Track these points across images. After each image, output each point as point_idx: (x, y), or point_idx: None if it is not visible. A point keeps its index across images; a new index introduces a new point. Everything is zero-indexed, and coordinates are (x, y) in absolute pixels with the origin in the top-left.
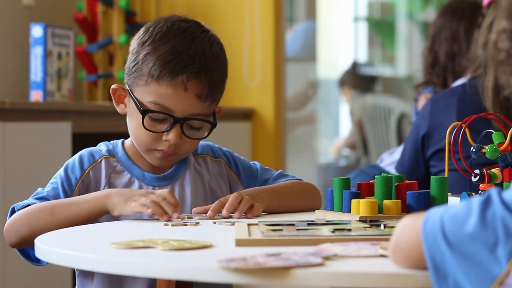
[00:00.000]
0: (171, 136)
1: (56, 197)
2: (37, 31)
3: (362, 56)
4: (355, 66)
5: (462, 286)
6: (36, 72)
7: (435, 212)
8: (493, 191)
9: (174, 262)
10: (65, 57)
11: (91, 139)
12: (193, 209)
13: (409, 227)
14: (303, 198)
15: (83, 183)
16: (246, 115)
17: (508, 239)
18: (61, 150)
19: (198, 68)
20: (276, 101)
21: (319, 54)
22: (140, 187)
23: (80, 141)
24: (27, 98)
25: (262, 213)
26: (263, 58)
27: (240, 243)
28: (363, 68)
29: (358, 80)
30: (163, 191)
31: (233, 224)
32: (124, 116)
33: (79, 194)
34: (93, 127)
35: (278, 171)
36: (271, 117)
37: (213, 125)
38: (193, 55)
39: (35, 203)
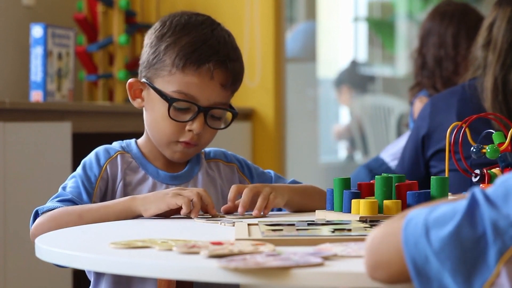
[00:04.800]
0: (195, 125)
1: (79, 196)
2: (37, 31)
3: (362, 56)
4: (353, 65)
5: None
6: (36, 72)
7: (416, 215)
8: (477, 191)
9: (174, 262)
10: (65, 57)
11: (91, 139)
12: (223, 207)
13: (386, 238)
14: (318, 199)
15: (102, 180)
16: (246, 115)
17: (497, 238)
18: (61, 150)
19: (223, 57)
20: (276, 101)
21: (319, 54)
22: (154, 185)
23: (80, 141)
24: (27, 98)
25: (283, 211)
26: (263, 58)
27: None
28: (362, 68)
29: (356, 80)
30: (197, 189)
31: (234, 225)
32: (124, 116)
33: (100, 192)
34: (93, 127)
35: (291, 179)
36: (271, 117)
37: (235, 115)
38: (216, 44)
39: (60, 206)
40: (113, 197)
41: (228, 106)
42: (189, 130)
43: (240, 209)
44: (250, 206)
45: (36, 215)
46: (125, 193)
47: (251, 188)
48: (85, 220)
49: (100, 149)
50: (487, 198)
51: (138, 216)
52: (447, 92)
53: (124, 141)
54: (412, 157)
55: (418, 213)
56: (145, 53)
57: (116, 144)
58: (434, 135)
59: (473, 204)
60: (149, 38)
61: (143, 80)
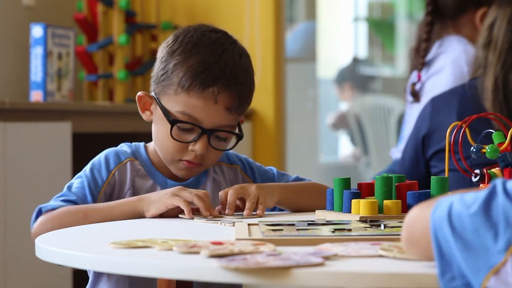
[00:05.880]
0: (198, 146)
1: (83, 198)
2: (37, 31)
3: (362, 56)
4: (355, 62)
5: (464, 272)
6: (36, 72)
7: (445, 200)
8: (498, 181)
9: (174, 262)
10: (65, 57)
11: (91, 139)
12: (217, 208)
13: (419, 218)
14: (317, 197)
15: (109, 185)
16: (246, 115)
17: (507, 228)
18: (61, 150)
19: (229, 81)
20: (276, 101)
21: (319, 54)
22: None
23: (80, 141)
24: (27, 98)
25: (276, 211)
26: (263, 58)
27: None
28: (363, 66)
29: (356, 80)
30: (196, 190)
31: (234, 225)
32: (124, 116)
33: (105, 197)
34: (93, 127)
35: (295, 176)
36: (271, 117)
37: (240, 137)
38: (224, 67)
39: (64, 205)
40: None
41: (234, 127)
42: (192, 150)
43: (227, 211)
44: (239, 206)
45: (39, 213)
46: None
47: (236, 190)
48: (90, 220)
49: (110, 152)
50: (505, 189)
51: (143, 216)
52: (447, 92)
53: (133, 144)
54: (412, 157)
55: (448, 198)
56: (156, 67)
57: (126, 148)
58: (434, 135)
59: (491, 194)
60: (161, 51)
61: (152, 94)
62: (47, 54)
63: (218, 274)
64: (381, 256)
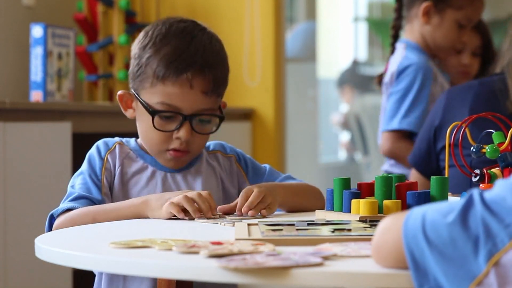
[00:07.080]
0: (182, 133)
1: (88, 191)
2: (37, 31)
3: (362, 56)
4: (355, 65)
5: (441, 283)
6: (36, 72)
7: (417, 210)
8: (475, 192)
9: (174, 262)
10: (65, 57)
11: (91, 139)
12: (219, 207)
13: (391, 227)
14: (314, 199)
15: (106, 170)
16: (246, 115)
17: (488, 239)
18: (61, 150)
19: (202, 65)
20: (276, 101)
21: (319, 54)
22: (153, 172)
23: (80, 141)
24: (27, 98)
25: (277, 211)
26: (263, 58)
27: None
28: (363, 68)
29: (356, 80)
30: (202, 191)
31: (234, 225)
32: (124, 116)
33: (107, 182)
34: (93, 127)
35: (286, 174)
36: (271, 117)
37: (221, 119)
38: (195, 52)
39: (75, 206)
40: (113, 186)
41: (215, 109)
42: (177, 138)
43: (244, 209)
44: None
45: (52, 219)
46: (122, 182)
47: (260, 192)
48: (99, 222)
49: (100, 142)
50: (483, 200)
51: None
52: (464, 86)
53: (124, 138)
54: (425, 147)
55: (419, 209)
56: (131, 65)
57: (115, 138)
58: (444, 128)
59: (469, 204)
60: (134, 49)
61: (132, 91)
62: (47, 54)
63: (217, 274)
64: None
